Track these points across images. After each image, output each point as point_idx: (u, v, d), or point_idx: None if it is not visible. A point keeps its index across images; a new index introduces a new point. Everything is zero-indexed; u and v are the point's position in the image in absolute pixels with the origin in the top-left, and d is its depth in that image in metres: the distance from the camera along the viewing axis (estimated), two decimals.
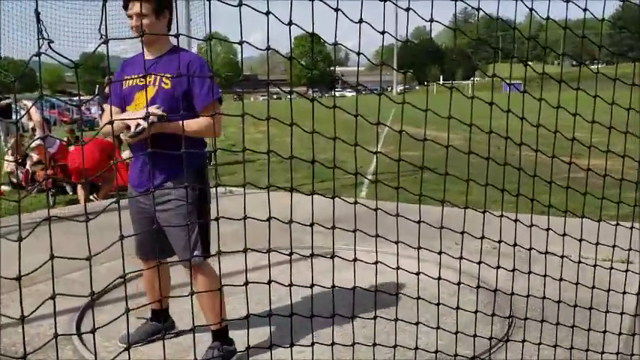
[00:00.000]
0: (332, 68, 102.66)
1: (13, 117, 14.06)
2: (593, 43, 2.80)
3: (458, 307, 2.58)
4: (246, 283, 2.14)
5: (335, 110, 2.17)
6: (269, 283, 2.18)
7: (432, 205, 2.86)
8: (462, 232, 2.46)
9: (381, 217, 2.28)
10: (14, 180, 9.50)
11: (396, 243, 2.34)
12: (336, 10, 1.98)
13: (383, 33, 2.16)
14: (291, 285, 2.19)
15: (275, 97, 62.65)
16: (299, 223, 2.14)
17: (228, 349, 3.20)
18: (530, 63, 2.83)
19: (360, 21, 2.06)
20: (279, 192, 2.07)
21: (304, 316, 2.32)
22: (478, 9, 2.37)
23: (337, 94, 72.51)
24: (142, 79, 2.76)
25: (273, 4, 1.89)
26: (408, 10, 2.19)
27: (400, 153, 2.33)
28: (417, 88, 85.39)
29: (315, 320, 2.35)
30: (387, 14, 2.17)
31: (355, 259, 2.25)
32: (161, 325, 3.48)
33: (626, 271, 2.91)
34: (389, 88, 78.09)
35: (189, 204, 2.93)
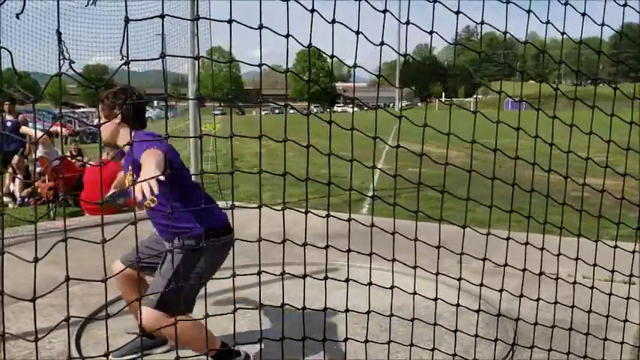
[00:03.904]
0: (333, 84, 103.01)
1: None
2: (613, 60, 2.79)
3: (456, 330, 2.53)
4: (235, 309, 2.11)
5: (335, 126, 2.16)
6: (260, 307, 2.16)
7: (435, 223, 2.84)
8: (461, 254, 2.42)
9: (382, 233, 2.27)
10: (17, 194, 9.49)
11: (392, 261, 2.32)
12: (357, 32, 2.01)
13: (402, 56, 2.17)
14: (283, 305, 2.16)
15: (277, 111, 62.88)
16: (293, 242, 2.13)
17: None
18: (532, 81, 2.83)
19: (382, 43, 2.07)
20: (280, 206, 2.05)
21: (295, 339, 2.29)
22: (481, 23, 2.38)
23: (339, 109, 72.73)
24: None
25: (276, 19, 1.90)
26: (406, 23, 2.20)
27: (398, 170, 2.32)
28: (418, 104, 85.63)
29: (307, 342, 2.33)
30: (390, 31, 2.18)
31: (348, 279, 2.23)
32: (151, 340, 3.45)
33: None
34: (391, 104, 78.31)
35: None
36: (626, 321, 2.79)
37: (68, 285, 1.59)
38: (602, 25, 2.54)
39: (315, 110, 67.78)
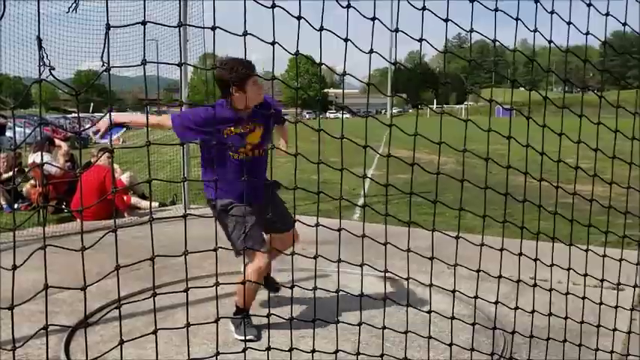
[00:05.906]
0: (326, 91, 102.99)
1: (8, 134, 13.96)
2: (598, 69, 2.82)
3: (452, 344, 2.51)
4: (218, 318, 2.10)
5: (327, 133, 2.16)
6: (245, 317, 2.15)
7: (425, 229, 2.85)
8: (455, 265, 2.41)
9: (372, 237, 2.27)
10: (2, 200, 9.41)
11: (384, 272, 2.31)
12: (346, 40, 2.02)
13: (393, 64, 2.18)
14: (269, 315, 2.16)
15: None
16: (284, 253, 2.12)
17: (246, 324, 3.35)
18: (522, 89, 2.85)
19: (371, 51, 2.08)
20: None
21: (282, 350, 2.29)
22: (470, 31, 2.40)
23: (331, 116, 72.70)
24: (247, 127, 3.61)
25: (269, 23, 1.91)
26: (395, 31, 2.21)
27: (389, 177, 2.32)
28: (410, 111, 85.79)
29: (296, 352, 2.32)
30: (383, 38, 2.20)
31: (338, 290, 2.23)
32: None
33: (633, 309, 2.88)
34: (382, 111, 78.41)
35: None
36: (615, 330, 2.80)
37: (47, 293, 1.59)
38: (587, 34, 2.57)
39: (307, 116, 67.61)
